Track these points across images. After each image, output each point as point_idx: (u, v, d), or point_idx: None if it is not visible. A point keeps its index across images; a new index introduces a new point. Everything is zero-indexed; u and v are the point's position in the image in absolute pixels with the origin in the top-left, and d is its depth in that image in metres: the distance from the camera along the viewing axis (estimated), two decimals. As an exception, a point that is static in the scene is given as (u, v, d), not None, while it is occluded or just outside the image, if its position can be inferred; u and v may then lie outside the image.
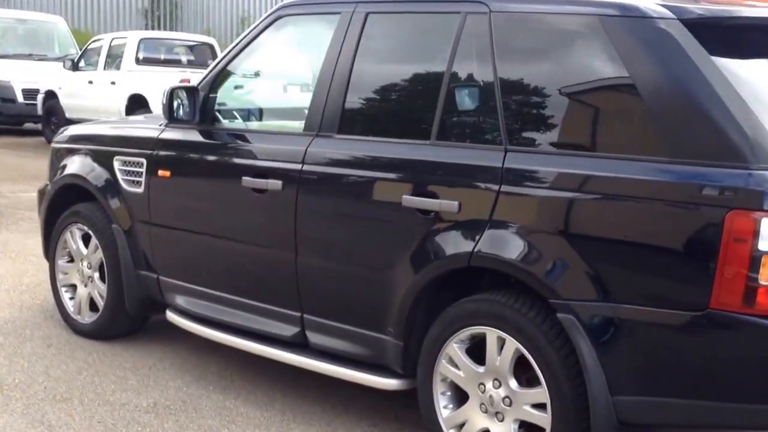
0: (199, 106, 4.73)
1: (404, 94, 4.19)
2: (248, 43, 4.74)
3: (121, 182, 5.17)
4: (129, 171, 5.12)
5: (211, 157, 4.73)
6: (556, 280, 3.43)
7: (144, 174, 5.02)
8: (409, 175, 3.90)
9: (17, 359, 5.09)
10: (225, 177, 4.64)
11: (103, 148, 5.37)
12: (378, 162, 4.02)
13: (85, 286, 5.52)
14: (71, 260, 5.61)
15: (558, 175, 3.48)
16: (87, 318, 5.51)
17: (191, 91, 4.66)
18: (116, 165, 5.21)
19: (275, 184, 4.28)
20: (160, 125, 5.04)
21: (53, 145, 5.84)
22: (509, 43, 3.73)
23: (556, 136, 3.60)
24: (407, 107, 4.17)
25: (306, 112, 4.44)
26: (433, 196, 3.77)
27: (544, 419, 3.52)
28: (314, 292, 4.24)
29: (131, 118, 6.94)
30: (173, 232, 4.92)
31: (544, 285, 3.45)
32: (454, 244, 3.69)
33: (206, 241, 4.74)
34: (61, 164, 5.60)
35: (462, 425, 3.80)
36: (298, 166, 4.22)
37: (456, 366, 3.77)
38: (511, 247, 3.54)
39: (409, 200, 3.82)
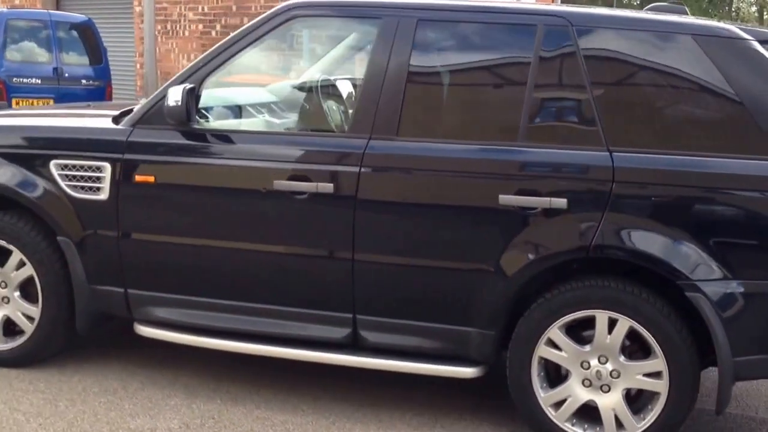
0: (195, 105, 4.43)
1: (482, 98, 4.40)
2: (253, 41, 4.53)
3: (66, 189, 4.64)
4: (77, 176, 4.62)
5: (224, 161, 4.47)
6: (683, 264, 4.01)
7: (107, 180, 4.57)
8: (505, 174, 4.14)
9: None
10: (246, 181, 4.44)
11: (30, 152, 4.75)
12: (462, 163, 4.19)
13: (-6, 308, 4.85)
14: None
15: (670, 172, 4.02)
16: (2, 344, 4.88)
17: (191, 91, 4.36)
18: (55, 170, 4.66)
19: (325, 186, 4.25)
20: (124, 125, 4.61)
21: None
22: (598, 54, 4.15)
23: (656, 138, 4.12)
24: (488, 110, 4.37)
25: (338, 113, 4.44)
26: (536, 194, 4.07)
27: (659, 385, 4.09)
28: (373, 292, 4.31)
29: (44, 111, 5.80)
30: (162, 243, 4.57)
31: (673, 269, 4.01)
32: (568, 237, 4.06)
33: (217, 249, 4.49)
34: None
35: (560, 403, 4.21)
36: (355, 168, 4.24)
37: (557, 348, 4.16)
38: (635, 237, 4.04)
39: (508, 199, 4.09)
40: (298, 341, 4.50)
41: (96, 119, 5.02)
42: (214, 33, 14.99)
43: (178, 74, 4.62)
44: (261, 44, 4.54)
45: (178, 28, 15.51)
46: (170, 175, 4.54)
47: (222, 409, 4.49)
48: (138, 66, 16.30)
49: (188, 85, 4.35)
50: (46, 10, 14.09)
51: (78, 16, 13.68)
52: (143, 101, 5.10)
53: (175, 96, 4.31)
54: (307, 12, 4.53)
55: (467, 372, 4.29)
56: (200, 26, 15.08)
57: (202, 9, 14.89)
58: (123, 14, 16.42)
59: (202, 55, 4.62)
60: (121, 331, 5.12)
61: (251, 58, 4.62)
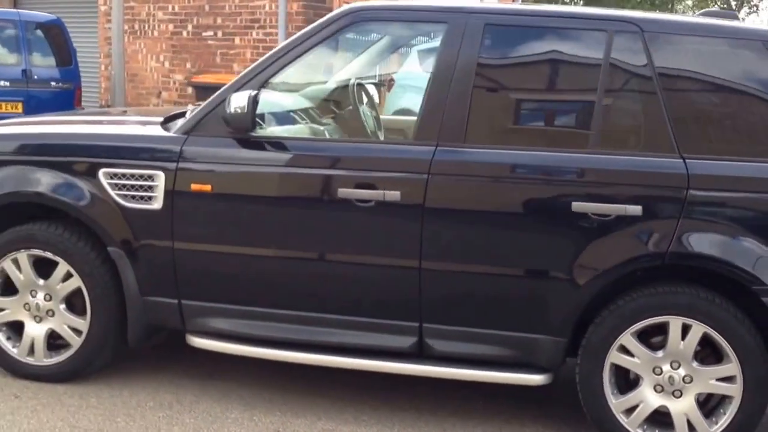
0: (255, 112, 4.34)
1: (551, 105, 4.39)
2: (313, 45, 4.46)
3: (116, 198, 4.52)
4: (128, 185, 4.50)
5: (285, 169, 4.40)
6: (760, 270, 4.02)
7: (160, 189, 4.46)
8: (579, 182, 4.13)
9: None
10: (308, 189, 4.37)
11: (77, 160, 4.60)
12: (533, 170, 4.17)
13: (39, 321, 4.70)
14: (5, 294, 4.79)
15: (744, 179, 4.04)
16: (46, 359, 4.72)
17: (254, 98, 4.27)
18: (104, 179, 4.53)
19: (393, 194, 4.20)
20: (177, 133, 4.50)
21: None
22: (669, 61, 4.15)
23: (728, 144, 4.13)
24: (557, 117, 4.37)
25: (396, 119, 4.39)
26: (611, 201, 4.07)
27: (733, 389, 4.11)
28: (440, 300, 4.27)
29: (85, 118, 5.61)
30: (219, 253, 4.47)
31: (750, 275, 4.02)
32: (644, 244, 4.06)
33: (277, 258, 4.42)
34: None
35: (631, 409, 4.19)
36: (423, 176, 4.19)
37: (630, 354, 4.15)
38: (711, 243, 4.05)
39: (582, 206, 4.08)
40: (355, 350, 4.41)
41: (145, 127, 4.87)
42: (185, 33, 14.79)
43: (234, 80, 4.53)
44: (321, 48, 4.44)
45: (146, 28, 15.27)
46: (228, 183, 4.44)
47: (284, 421, 4.41)
48: (102, 67, 16.03)
49: (252, 92, 4.25)
50: (15, 10, 13.75)
51: (47, 16, 13.38)
52: (192, 107, 5.00)
53: (238, 103, 4.21)
54: (370, 15, 4.47)
55: (536, 379, 4.27)
56: (170, 26, 14.87)
57: (173, 8, 14.68)
58: (87, 14, 16.12)
59: (259, 60, 4.54)
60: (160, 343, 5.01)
61: (310, 62, 4.53)
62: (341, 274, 4.37)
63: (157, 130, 4.65)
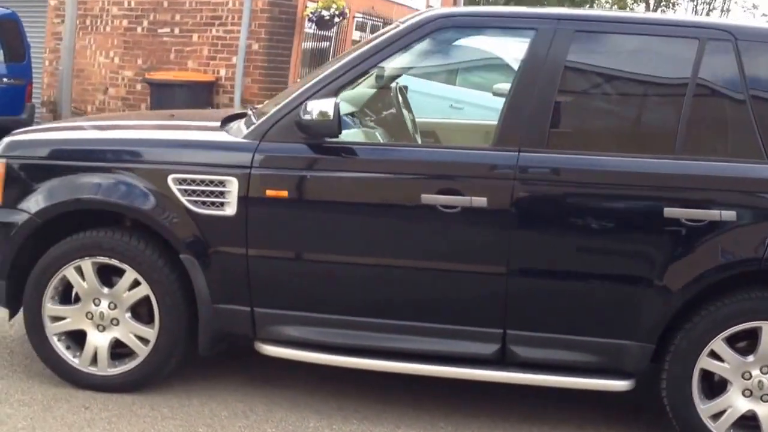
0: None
1: (636, 110, 4.43)
2: (396, 51, 4.45)
3: (187, 205, 4.44)
4: (198, 191, 4.43)
5: (365, 175, 4.38)
6: None
7: (233, 195, 4.40)
8: (671, 187, 4.17)
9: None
10: (389, 195, 4.35)
11: (146, 167, 4.51)
12: (622, 176, 4.20)
13: (102, 330, 4.61)
14: (67, 302, 4.68)
15: None
16: (110, 369, 4.63)
17: (336, 104, 4.25)
18: (174, 185, 4.45)
19: (480, 200, 4.21)
20: (248, 138, 4.45)
21: (9, 161, 4.66)
22: (761, 69, 4.24)
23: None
24: (643, 122, 4.40)
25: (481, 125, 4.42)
26: (704, 206, 4.13)
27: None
28: (525, 306, 4.29)
29: (140, 123, 5.47)
30: (295, 260, 4.44)
31: None
32: (740, 249, 4.14)
33: (355, 265, 4.39)
34: (44, 185, 4.58)
35: (718, 414, 4.25)
36: (510, 182, 4.21)
37: (719, 359, 4.21)
38: None
39: (675, 212, 4.14)
40: (425, 357, 4.41)
41: (215, 132, 4.78)
42: (140, 29, 14.50)
43: (309, 85, 4.48)
44: (404, 55, 4.43)
45: (98, 23, 14.91)
46: (305, 189, 4.40)
47: (366, 429, 4.38)
48: (47, 63, 15.61)
49: (336, 99, 4.22)
50: (-32, 3, 13.34)
51: (1, 9, 13.01)
52: (252, 110, 4.94)
53: (323, 109, 4.17)
54: (458, 22, 4.47)
55: (621, 385, 4.31)
56: (124, 22, 14.56)
57: (129, 4, 14.38)
58: (35, 8, 15.68)
59: (336, 66, 4.49)
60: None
61: (399, 67, 4.52)
62: (423, 280, 4.35)
63: (228, 136, 4.57)
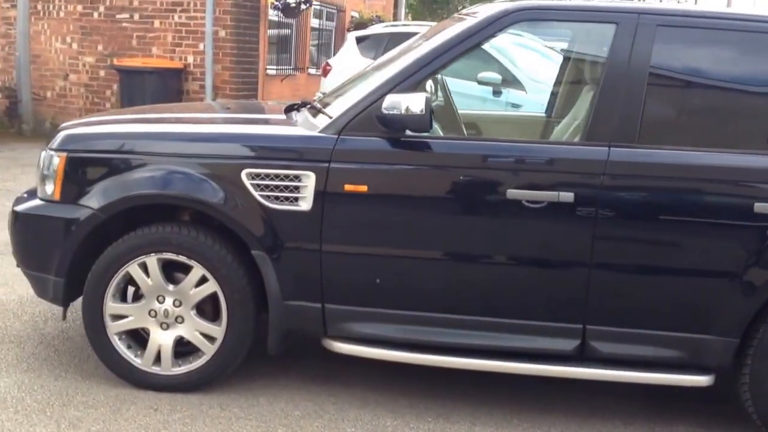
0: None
1: (725, 105, 4.41)
2: (474, 45, 4.39)
3: (260, 200, 4.33)
4: (272, 186, 4.32)
5: (447, 170, 4.31)
6: None
7: (309, 190, 4.30)
8: (759, 183, 4.17)
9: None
10: (473, 191, 4.29)
11: (218, 161, 4.38)
12: (712, 171, 4.20)
13: (166, 328, 4.48)
14: (126, 300, 4.56)
15: None
16: (174, 368, 4.50)
17: (428, 98, 4.18)
18: (247, 180, 4.33)
19: (567, 195, 4.19)
20: (324, 132, 4.35)
21: (69, 155, 4.48)
22: None
23: None
24: (732, 117, 4.38)
25: (571, 120, 4.39)
26: None
27: None
28: (607, 302, 4.26)
29: (200, 116, 5.31)
30: (371, 255, 4.35)
31: None
32: None
33: (434, 261, 4.33)
34: (110, 180, 4.42)
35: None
36: (599, 178, 4.19)
37: None
38: None
39: (765, 207, 4.12)
40: (503, 353, 4.37)
41: (290, 126, 4.66)
42: (96, 15, 14.14)
43: (387, 79, 4.38)
44: (481, 47, 4.37)
45: (51, 8, 14.50)
46: (386, 184, 4.31)
47: (442, 428, 4.33)
48: (-3, 48, 15.16)
49: (426, 94, 4.15)
50: None
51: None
52: (318, 99, 4.84)
53: (414, 104, 4.09)
54: (536, 15, 4.41)
55: (702, 380, 4.31)
56: (79, 7, 14.16)
57: (82, -11, 14.04)
58: (-16, -8, 15.18)
59: (413, 60, 4.40)
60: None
61: (472, 62, 4.45)
62: (503, 276, 4.31)
63: (304, 130, 4.46)
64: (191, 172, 4.34)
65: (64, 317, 4.66)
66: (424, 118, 4.09)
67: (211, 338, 4.46)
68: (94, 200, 4.38)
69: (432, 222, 4.29)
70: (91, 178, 4.44)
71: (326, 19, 17.29)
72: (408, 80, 4.32)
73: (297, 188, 4.29)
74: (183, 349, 4.54)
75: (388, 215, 4.31)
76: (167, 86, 13.06)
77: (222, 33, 13.15)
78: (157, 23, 13.65)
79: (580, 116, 4.63)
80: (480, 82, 12.02)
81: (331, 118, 4.41)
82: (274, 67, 14.36)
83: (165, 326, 4.46)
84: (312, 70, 16.10)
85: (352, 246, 4.34)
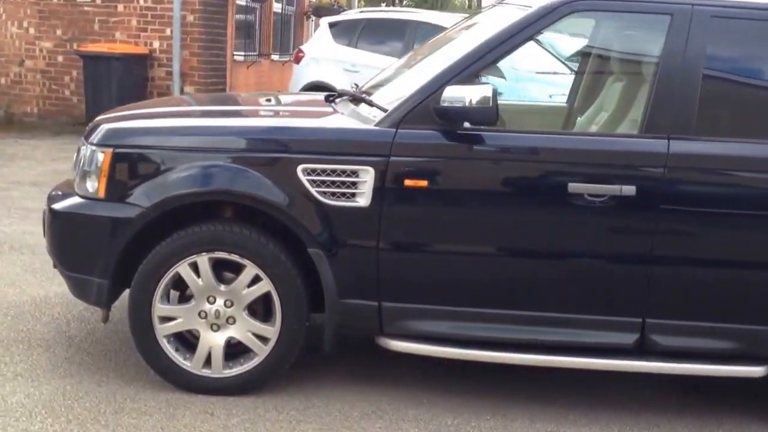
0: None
1: None
2: (529, 36, 4.31)
3: (317, 196, 4.21)
4: (329, 182, 4.20)
5: (506, 163, 4.24)
6: None
7: (368, 185, 4.19)
8: None
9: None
10: (534, 185, 4.22)
11: (273, 156, 4.25)
12: None
13: (216, 330, 4.34)
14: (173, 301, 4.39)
15: None
16: (225, 370, 4.36)
17: (494, 90, 4.10)
18: (303, 176, 4.20)
19: (629, 189, 4.13)
20: (381, 126, 4.24)
21: (116, 150, 4.30)
22: None
23: None
24: None
25: (627, 111, 4.35)
26: None
27: None
28: (667, 295, 4.22)
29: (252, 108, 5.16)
30: (430, 252, 4.27)
31: None
32: None
33: (494, 256, 4.27)
34: (160, 176, 4.26)
35: None
36: (660, 170, 4.14)
37: None
38: None
39: None
40: (557, 348, 4.32)
41: (346, 119, 4.52)
42: (55, -1, 13.80)
43: (444, 70, 4.27)
44: (536, 39, 4.29)
45: (8, -9, 14.12)
46: (445, 179, 4.22)
47: (504, 425, 4.27)
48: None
49: (492, 85, 4.06)
50: None
51: None
52: (355, 88, 4.72)
53: (481, 96, 4.00)
54: (590, 6, 4.34)
55: (757, 371, 4.29)
56: (38, -10, 13.83)
57: (40, -29, 13.67)
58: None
59: (468, 52, 4.30)
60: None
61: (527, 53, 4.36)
62: (564, 270, 4.25)
63: (360, 123, 4.34)
64: (246, 168, 4.19)
65: (106, 320, 4.48)
66: (490, 110, 4.00)
67: (264, 339, 4.32)
68: (143, 198, 4.21)
69: (492, 217, 4.22)
70: (139, 175, 4.28)
71: (286, 4, 17.05)
72: (465, 72, 4.22)
73: (354, 184, 4.17)
74: (230, 350, 4.38)
75: (448, 210, 4.23)
76: (133, 73, 12.79)
77: (190, 18, 12.90)
78: (120, 7, 13.35)
79: (630, 108, 4.56)
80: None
81: (385, 111, 4.29)
82: (242, 53, 14.11)
83: (215, 327, 4.31)
84: (275, 56, 15.86)
85: (411, 242, 4.26)
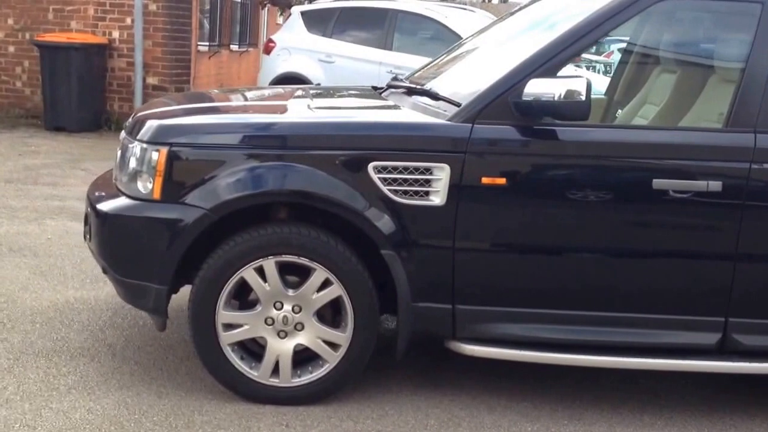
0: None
1: None
2: (616, 26, 4.16)
3: (390, 195, 4.03)
4: (401, 180, 4.02)
5: (588, 160, 4.08)
6: None
7: (443, 183, 4.02)
8: None
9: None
10: (617, 180, 4.08)
11: (343, 153, 4.04)
12: None
13: (284, 337, 4.13)
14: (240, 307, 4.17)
15: None
16: (294, 379, 4.17)
17: (589, 83, 3.95)
18: (375, 174, 4.02)
19: (715, 184, 4.02)
20: (455, 120, 4.06)
21: (172, 149, 4.05)
22: None
23: None
24: None
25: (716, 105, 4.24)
26: None
27: None
28: (752, 293, 4.12)
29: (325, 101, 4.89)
30: (510, 251, 4.11)
31: None
32: None
33: (576, 256, 4.12)
34: (221, 176, 4.01)
35: None
36: (746, 165, 4.03)
37: None
38: None
39: None
40: (633, 350, 4.20)
41: (418, 114, 4.32)
42: (9, -15, 13.29)
43: (523, 63, 4.10)
44: (619, 30, 4.15)
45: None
46: (525, 176, 4.07)
47: (586, 431, 4.12)
48: None
49: (586, 78, 3.90)
50: None
51: None
52: (404, 80, 4.54)
53: (573, 89, 3.84)
54: None
55: None
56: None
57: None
58: None
59: (550, 42, 4.14)
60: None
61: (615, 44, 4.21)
62: (645, 269, 4.13)
63: (433, 118, 4.15)
64: (317, 167, 3.98)
65: (164, 328, 4.22)
66: (584, 104, 3.85)
67: (334, 345, 4.12)
68: (204, 199, 3.98)
69: (572, 215, 4.07)
70: (199, 174, 4.02)
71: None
72: (547, 64, 4.06)
73: (428, 181, 3.99)
74: (294, 358, 4.18)
75: (527, 209, 4.07)
76: (93, 64, 12.37)
77: (152, 6, 12.52)
78: (76, -5, 12.90)
79: (708, 101, 4.45)
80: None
81: (456, 105, 4.11)
82: (206, 43, 13.75)
83: (283, 334, 4.10)
84: (234, 46, 15.51)
85: (488, 242, 4.09)
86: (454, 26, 12.19)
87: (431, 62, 5.29)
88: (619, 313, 4.13)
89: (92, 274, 5.71)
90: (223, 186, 3.98)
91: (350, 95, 5.40)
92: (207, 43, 13.62)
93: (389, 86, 4.92)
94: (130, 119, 4.54)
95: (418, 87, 4.60)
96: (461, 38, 11.90)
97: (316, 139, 4.09)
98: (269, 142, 4.08)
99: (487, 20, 12.17)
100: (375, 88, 4.89)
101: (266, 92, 5.83)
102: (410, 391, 4.38)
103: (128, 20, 12.63)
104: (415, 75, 5.19)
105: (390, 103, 4.57)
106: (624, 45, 5.93)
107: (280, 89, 5.96)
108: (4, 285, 5.47)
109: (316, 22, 12.89)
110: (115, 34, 12.77)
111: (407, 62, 11.66)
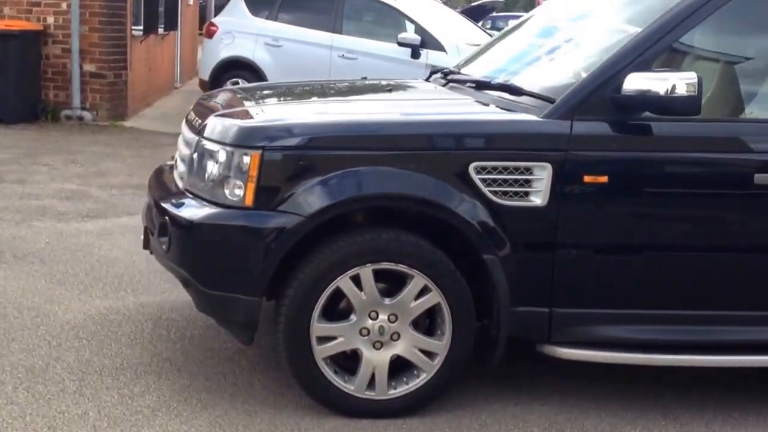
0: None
1: None
2: (708, 15, 4.07)
3: (490, 196, 3.89)
4: (501, 180, 3.88)
5: (689, 155, 4.03)
6: None
7: (545, 182, 3.90)
8: None
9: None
10: (721, 177, 4.04)
11: (444, 152, 3.90)
12: None
13: (379, 348, 3.96)
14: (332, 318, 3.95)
15: None
16: (390, 391, 4.00)
17: (699, 77, 3.84)
18: (475, 174, 3.87)
19: None
20: (551, 117, 3.94)
21: (266, 152, 3.81)
22: None
23: None
24: None
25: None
26: None
27: None
28: None
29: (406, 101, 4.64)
30: (612, 252, 4.01)
31: None
32: None
33: (681, 255, 4.03)
34: (317, 181, 3.80)
35: None
36: None
37: None
38: None
39: None
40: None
41: (515, 113, 4.13)
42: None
43: (616, 56, 3.99)
44: (713, 19, 4.06)
45: None
46: (627, 173, 3.96)
47: None
48: None
49: (695, 73, 3.79)
50: None
51: None
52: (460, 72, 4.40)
53: (682, 84, 3.74)
54: None
55: None
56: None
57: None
58: None
59: (645, 33, 4.03)
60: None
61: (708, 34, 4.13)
62: (749, 265, 4.07)
63: (529, 116, 4.01)
64: (417, 168, 3.81)
65: (251, 342, 3.99)
66: (694, 99, 3.75)
67: (430, 355, 3.95)
68: (302, 205, 3.76)
69: (677, 213, 4.00)
70: (295, 179, 3.80)
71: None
72: (643, 56, 3.95)
73: (528, 182, 3.85)
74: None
75: (629, 207, 3.99)
76: (30, 51, 11.78)
77: (88, -9, 11.94)
78: (5, -21, 12.23)
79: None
80: (400, 44, 11.66)
81: (550, 101, 3.97)
82: (140, 27, 13.24)
83: (378, 345, 3.91)
84: (161, 30, 14.98)
85: (590, 243, 3.98)
86: (404, 9, 12.04)
87: (475, 54, 5.12)
88: (723, 311, 4.07)
89: (107, 282, 5.44)
90: (320, 191, 3.77)
91: (416, 90, 5.16)
92: (141, 27, 13.11)
93: (449, 80, 4.74)
94: (194, 117, 4.27)
95: (495, 82, 4.43)
96: (413, 21, 11.79)
97: (415, 138, 3.90)
98: (368, 143, 3.88)
99: (438, 4, 12.06)
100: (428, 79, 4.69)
101: (323, 88, 5.50)
102: (502, 398, 4.25)
103: (64, 5, 12.04)
104: (463, 66, 5.03)
105: (466, 98, 4.38)
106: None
107: (333, 83, 5.65)
108: (27, 297, 5.12)
109: (259, 4, 12.56)
110: (50, 20, 12.16)
111: (360, 46, 11.46)
